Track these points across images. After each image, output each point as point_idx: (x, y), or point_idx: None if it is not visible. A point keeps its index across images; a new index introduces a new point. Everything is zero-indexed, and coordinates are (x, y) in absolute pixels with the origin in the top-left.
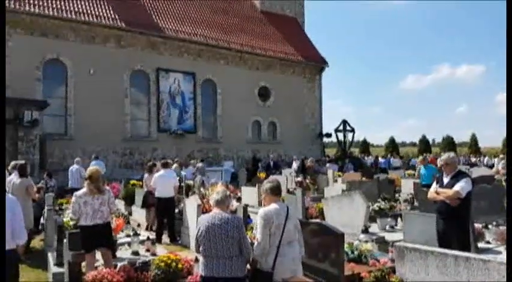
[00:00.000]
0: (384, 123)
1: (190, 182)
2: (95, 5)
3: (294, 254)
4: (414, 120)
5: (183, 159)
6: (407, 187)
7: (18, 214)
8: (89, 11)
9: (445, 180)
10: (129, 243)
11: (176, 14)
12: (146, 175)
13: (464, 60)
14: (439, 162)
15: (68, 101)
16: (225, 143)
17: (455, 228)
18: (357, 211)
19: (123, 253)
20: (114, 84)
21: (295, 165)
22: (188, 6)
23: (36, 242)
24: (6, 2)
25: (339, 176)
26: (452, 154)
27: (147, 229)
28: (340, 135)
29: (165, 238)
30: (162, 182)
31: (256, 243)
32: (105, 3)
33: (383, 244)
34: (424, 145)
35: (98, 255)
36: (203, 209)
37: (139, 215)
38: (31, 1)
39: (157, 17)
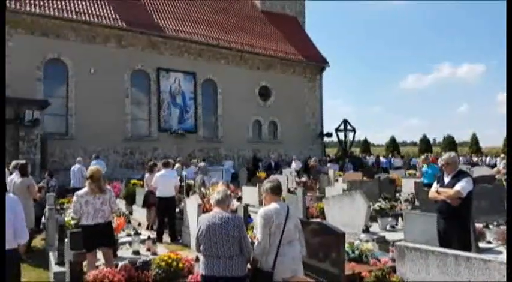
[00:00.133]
0: (384, 122)
1: (191, 182)
2: (95, 5)
3: (294, 253)
4: (415, 119)
5: (184, 159)
6: (408, 187)
7: (19, 213)
8: (89, 11)
9: (446, 179)
10: (130, 243)
11: (177, 13)
12: (147, 175)
13: (465, 59)
14: (440, 162)
15: (68, 100)
16: (225, 142)
17: (456, 227)
18: (358, 211)
19: (124, 252)
20: (114, 84)
21: (294, 164)
22: (189, 6)
23: (38, 242)
24: (7, 2)
25: (340, 175)
26: (453, 154)
27: (147, 228)
28: (341, 135)
29: (166, 237)
30: (163, 181)
31: (256, 242)
32: (106, 3)
33: (384, 244)
34: (425, 145)
35: (99, 254)
36: (204, 209)
37: (140, 214)
38: (31, 1)
39: (157, 17)
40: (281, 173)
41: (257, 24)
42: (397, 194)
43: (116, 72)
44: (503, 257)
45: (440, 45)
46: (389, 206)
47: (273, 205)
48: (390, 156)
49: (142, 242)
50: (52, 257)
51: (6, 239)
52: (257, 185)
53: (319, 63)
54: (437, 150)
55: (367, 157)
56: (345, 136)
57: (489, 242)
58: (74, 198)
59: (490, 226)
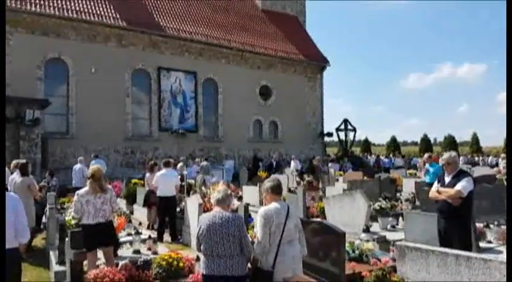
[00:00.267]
0: (385, 122)
1: (192, 181)
2: (96, 4)
3: (294, 252)
4: (416, 119)
5: (185, 159)
6: (408, 186)
7: (20, 212)
8: (90, 10)
9: (447, 179)
10: (130, 242)
11: (177, 13)
12: (148, 174)
13: (466, 59)
14: (441, 161)
15: (69, 99)
16: (226, 142)
17: (456, 227)
18: (358, 210)
19: (125, 252)
20: (115, 83)
21: (293, 164)
22: (189, 5)
23: (38, 241)
24: (7, 1)
25: (340, 175)
26: (453, 153)
27: (148, 228)
28: (342, 135)
29: (167, 237)
30: (164, 181)
31: (256, 242)
32: (107, 3)
33: (384, 243)
34: (426, 144)
35: (100, 253)
36: (204, 208)
37: (140, 213)
38: (32, 0)
39: (158, 16)
40: (281, 172)
41: (258, 24)
42: (398, 194)
43: (117, 72)
44: (503, 257)
45: (441, 45)
46: (389, 206)
47: (273, 205)
48: (391, 155)
49: (143, 241)
50: (53, 256)
51: (7, 238)
52: (257, 184)
53: (319, 63)
54: (438, 149)
55: (368, 157)
56: (346, 135)
57: (490, 242)
58: (75, 198)
59: (491, 226)
